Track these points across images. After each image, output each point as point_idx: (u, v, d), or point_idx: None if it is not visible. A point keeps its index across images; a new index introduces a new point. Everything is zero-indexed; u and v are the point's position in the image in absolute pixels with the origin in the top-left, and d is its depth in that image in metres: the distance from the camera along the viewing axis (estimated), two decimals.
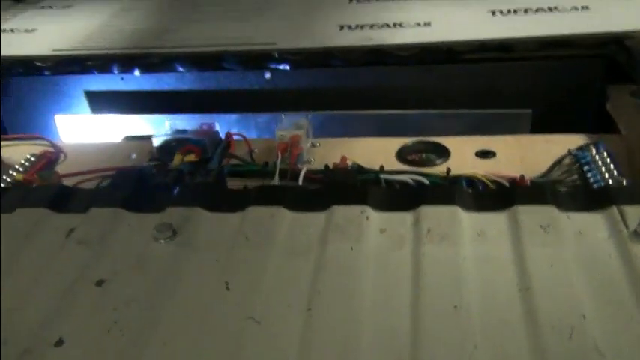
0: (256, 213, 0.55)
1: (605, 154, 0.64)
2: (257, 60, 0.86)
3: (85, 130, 0.95)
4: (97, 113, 0.97)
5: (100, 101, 0.96)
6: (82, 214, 0.58)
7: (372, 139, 0.77)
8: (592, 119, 0.82)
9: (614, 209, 0.50)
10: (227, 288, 0.47)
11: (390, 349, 0.40)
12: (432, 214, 0.52)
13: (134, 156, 0.79)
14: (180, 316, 0.45)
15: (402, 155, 0.72)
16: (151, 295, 0.47)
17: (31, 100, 0.97)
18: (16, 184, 0.72)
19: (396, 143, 0.75)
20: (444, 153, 0.72)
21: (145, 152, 0.80)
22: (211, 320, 0.44)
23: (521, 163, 0.69)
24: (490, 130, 0.77)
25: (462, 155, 0.71)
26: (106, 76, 0.94)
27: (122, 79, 0.93)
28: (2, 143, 0.83)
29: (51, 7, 1.13)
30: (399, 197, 0.55)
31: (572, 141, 0.71)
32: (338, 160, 0.70)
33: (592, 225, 0.49)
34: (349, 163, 0.68)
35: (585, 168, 0.63)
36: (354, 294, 0.45)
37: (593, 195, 0.53)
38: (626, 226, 0.48)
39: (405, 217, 0.52)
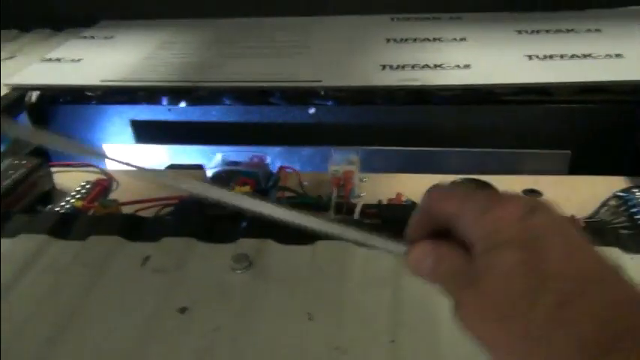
0: (326, 246, 0.57)
1: None
2: (303, 96, 0.89)
3: (130, 159, 0.97)
4: (141, 143, 1.00)
5: (145, 131, 0.98)
6: (153, 243, 0.60)
7: (419, 175, 0.79)
8: (628, 161, 0.85)
9: None
10: (310, 319, 0.49)
11: None
12: None
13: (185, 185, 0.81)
14: (267, 345, 0.46)
15: None
16: (236, 324, 0.49)
17: (77, 128, 1.00)
18: (76, 210, 0.74)
19: (442, 180, 0.78)
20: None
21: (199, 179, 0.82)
22: (298, 350, 0.46)
23: (567, 203, 0.71)
24: (529, 171, 0.80)
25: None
26: (152, 107, 0.97)
27: (169, 110, 0.96)
28: (53, 169, 0.85)
29: (93, 38, 1.17)
30: None
31: (614, 182, 0.74)
32: (387, 195, 0.73)
33: None
34: (403, 198, 0.70)
35: (633, 210, 0.66)
36: (436, 325, 0.47)
37: None
38: None
39: None
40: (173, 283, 0.54)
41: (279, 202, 0.71)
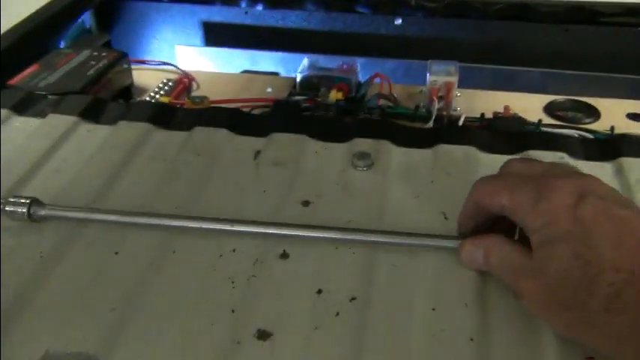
0: (446, 150, 0.55)
1: None
2: (390, 4, 0.85)
3: (202, 61, 0.93)
4: (211, 46, 0.96)
5: (218, 34, 0.95)
6: (263, 138, 0.57)
7: (516, 93, 0.76)
8: None
9: None
10: (445, 217, 0.47)
11: None
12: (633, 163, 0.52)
13: (269, 89, 0.79)
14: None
15: (550, 111, 0.72)
16: (366, 220, 0.47)
17: (144, 28, 0.96)
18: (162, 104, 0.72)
19: (540, 99, 0.75)
20: (593, 113, 0.72)
21: (276, 87, 0.80)
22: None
23: None
24: (625, 96, 0.77)
25: (613, 116, 0.71)
26: (226, 8, 0.92)
27: (246, 13, 0.91)
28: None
29: None
30: (596, 148, 0.55)
31: None
32: (481, 110, 0.70)
33: None
34: (511, 112, 0.67)
35: None
36: None
37: None
38: None
39: (604, 166, 0.53)
40: (292, 177, 0.52)
41: (382, 108, 0.69)
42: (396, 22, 0.88)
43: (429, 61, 0.73)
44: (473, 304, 0.39)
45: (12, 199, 0.47)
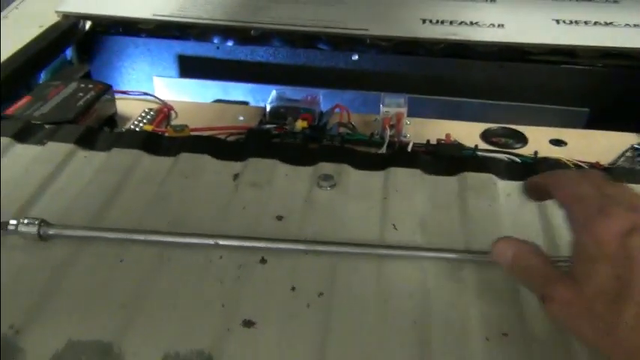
0: (398, 173, 0.65)
1: None
2: (349, 43, 0.96)
3: (178, 91, 1.02)
4: (186, 77, 1.05)
5: (191, 66, 1.04)
6: (240, 162, 0.67)
7: (457, 122, 0.87)
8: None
9: None
10: (395, 228, 0.57)
11: None
12: None
13: (241, 117, 0.88)
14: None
15: (486, 137, 0.84)
16: (329, 232, 0.57)
17: (123, 60, 1.04)
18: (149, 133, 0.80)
19: (478, 127, 0.86)
20: (521, 139, 0.84)
21: (247, 115, 0.89)
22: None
23: (588, 152, 0.81)
24: (551, 124, 0.89)
25: (538, 142, 0.83)
26: (200, 44, 1.02)
27: (218, 48, 1.01)
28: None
29: None
30: (520, 170, 0.66)
31: (629, 138, 0.83)
32: (427, 137, 0.81)
33: None
34: (452, 139, 0.79)
35: None
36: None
37: None
38: None
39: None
40: (267, 196, 0.61)
41: (342, 135, 0.79)
42: (353, 58, 0.99)
43: (382, 94, 0.84)
44: (419, 295, 0.49)
45: (24, 221, 0.54)
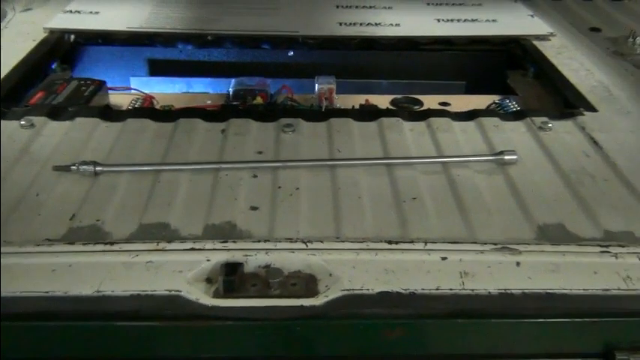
0: (336, 121, 0.94)
1: (513, 101, 1.12)
2: (285, 42, 1.25)
3: (150, 87, 1.26)
4: (155, 76, 1.30)
5: (159, 67, 1.29)
6: (224, 122, 0.93)
7: (372, 95, 1.18)
8: (500, 89, 1.30)
9: (528, 119, 0.96)
10: (339, 151, 0.86)
11: None
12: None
13: (209, 101, 1.14)
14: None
15: (394, 104, 1.15)
16: (292, 157, 0.85)
17: (102, 66, 1.27)
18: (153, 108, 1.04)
19: (387, 98, 1.18)
20: (419, 103, 1.16)
21: (212, 100, 1.16)
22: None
23: (466, 107, 1.13)
24: (439, 94, 1.22)
25: (430, 104, 1.15)
26: (165, 49, 1.27)
27: (181, 51, 1.27)
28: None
29: None
30: (416, 115, 0.98)
31: (493, 97, 1.18)
32: (356, 106, 1.11)
33: (518, 126, 0.95)
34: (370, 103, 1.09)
35: (505, 108, 1.10)
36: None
37: (515, 114, 0.99)
38: (535, 125, 0.94)
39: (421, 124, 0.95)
40: (249, 141, 0.88)
41: (293, 105, 1.07)
42: (289, 54, 1.28)
43: (316, 77, 1.13)
44: (354, 185, 0.78)
45: (82, 164, 0.78)
